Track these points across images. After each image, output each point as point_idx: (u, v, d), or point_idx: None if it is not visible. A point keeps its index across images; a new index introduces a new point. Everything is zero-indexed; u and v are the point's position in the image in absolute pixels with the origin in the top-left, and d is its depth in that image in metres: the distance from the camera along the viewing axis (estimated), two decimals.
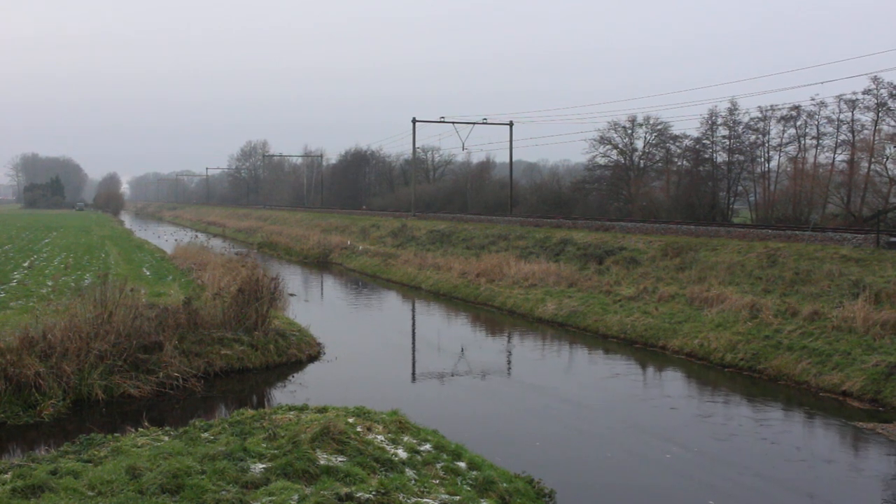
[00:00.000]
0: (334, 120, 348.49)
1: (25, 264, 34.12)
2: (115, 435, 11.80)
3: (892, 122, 41.90)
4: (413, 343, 23.97)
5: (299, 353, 19.58)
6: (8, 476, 9.27)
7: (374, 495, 8.76)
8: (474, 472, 10.52)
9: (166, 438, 11.37)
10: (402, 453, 10.68)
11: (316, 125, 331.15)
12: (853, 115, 43.63)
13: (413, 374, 19.59)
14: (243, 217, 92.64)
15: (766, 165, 49.75)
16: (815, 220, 39.68)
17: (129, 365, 15.86)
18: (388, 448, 10.76)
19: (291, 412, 12.60)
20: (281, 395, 16.57)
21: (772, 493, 11.43)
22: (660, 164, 57.92)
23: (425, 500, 9.07)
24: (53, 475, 9.18)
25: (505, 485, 10.36)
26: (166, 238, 65.78)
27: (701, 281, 24.92)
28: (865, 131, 43.42)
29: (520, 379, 18.74)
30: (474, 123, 58.62)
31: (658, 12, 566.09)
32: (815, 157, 46.38)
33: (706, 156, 52.97)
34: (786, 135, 48.33)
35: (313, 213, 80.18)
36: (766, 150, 49.61)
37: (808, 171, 43.82)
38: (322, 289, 37.53)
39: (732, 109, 50.27)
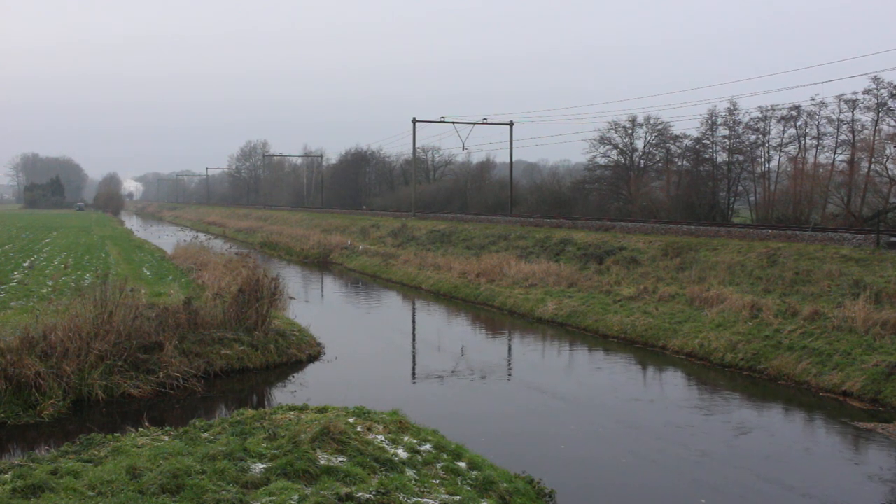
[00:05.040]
0: (334, 120, 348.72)
1: (25, 264, 34.12)
2: (116, 435, 11.80)
3: (893, 122, 41.90)
4: (413, 343, 23.96)
5: (299, 353, 19.58)
6: (8, 476, 9.27)
7: (374, 495, 8.76)
8: (474, 472, 10.51)
9: (166, 438, 11.37)
10: (402, 453, 10.68)
11: (316, 125, 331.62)
12: (853, 115, 43.63)
13: (413, 373, 19.58)
14: (243, 217, 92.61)
15: (766, 165, 49.74)
16: (815, 220, 39.67)
17: (130, 365, 15.86)
18: (388, 448, 10.76)
19: (291, 412, 12.60)
20: (281, 395, 16.57)
21: (771, 492, 11.43)
22: (660, 164, 57.91)
23: (425, 500, 9.07)
24: (53, 475, 9.18)
25: (505, 485, 10.35)
26: (166, 238, 65.76)
27: (701, 281, 24.92)
28: (866, 131, 43.41)
29: (520, 379, 18.73)
30: (474, 123, 58.63)
31: (658, 12, 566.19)
32: (816, 157, 46.39)
33: (706, 156, 52.99)
34: (786, 135, 48.38)
35: (313, 213, 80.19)
36: (766, 150, 49.63)
37: (808, 171, 43.78)
38: (322, 289, 37.51)
39: (732, 109, 50.33)
